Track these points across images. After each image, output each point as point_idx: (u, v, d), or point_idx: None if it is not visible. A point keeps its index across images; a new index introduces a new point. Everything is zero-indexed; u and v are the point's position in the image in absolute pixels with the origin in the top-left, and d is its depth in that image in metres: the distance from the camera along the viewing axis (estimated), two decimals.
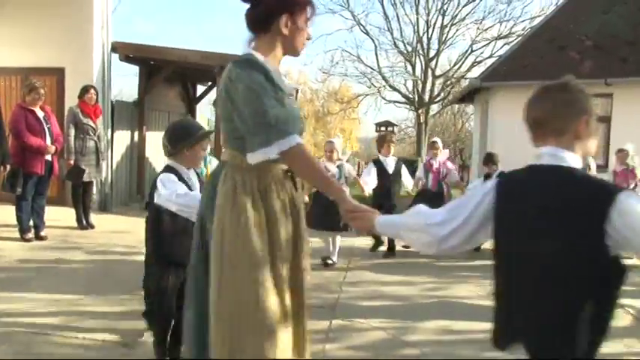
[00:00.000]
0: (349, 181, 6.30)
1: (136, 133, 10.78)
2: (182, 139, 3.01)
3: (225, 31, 62.47)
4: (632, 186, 7.08)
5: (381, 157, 6.80)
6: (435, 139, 8.12)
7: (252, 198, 2.12)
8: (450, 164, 7.50)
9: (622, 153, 7.01)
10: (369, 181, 6.42)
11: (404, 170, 6.88)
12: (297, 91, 11.21)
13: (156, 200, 2.89)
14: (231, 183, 2.14)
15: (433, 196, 6.82)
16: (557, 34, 11.92)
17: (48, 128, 6.57)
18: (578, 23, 11.89)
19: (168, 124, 3.08)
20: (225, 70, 2.14)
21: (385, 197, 6.53)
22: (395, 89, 25.50)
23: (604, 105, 11.03)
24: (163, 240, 3.02)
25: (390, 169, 6.71)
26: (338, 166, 6.10)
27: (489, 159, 7.35)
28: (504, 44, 22.46)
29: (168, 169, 3.01)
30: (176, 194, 2.78)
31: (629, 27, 11.22)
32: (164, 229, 2.99)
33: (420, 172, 7.51)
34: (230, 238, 2.07)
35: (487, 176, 7.04)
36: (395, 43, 24.76)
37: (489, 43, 24.07)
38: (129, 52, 10.31)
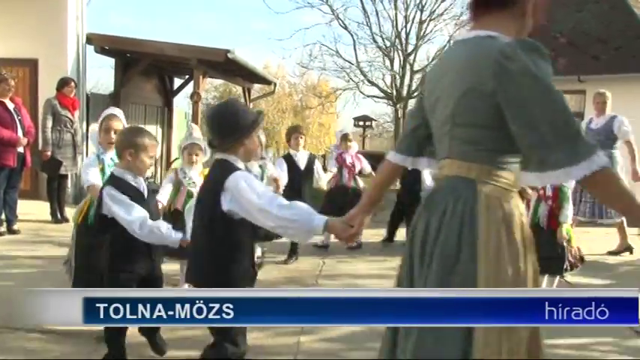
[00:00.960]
0: (269, 181, 5.56)
1: None
2: (241, 128, 2.50)
3: (202, 25, 62.04)
4: None
5: (292, 152, 6.24)
6: (347, 131, 7.78)
7: (522, 235, 1.82)
8: (361, 157, 7.10)
9: None
10: (282, 177, 5.74)
11: (317, 165, 6.36)
12: (274, 85, 11.18)
13: (227, 207, 2.45)
14: (501, 214, 1.79)
15: (352, 193, 6.61)
16: (532, 31, 12.06)
17: (19, 120, 6.49)
18: (552, 21, 12.04)
19: (212, 111, 2.65)
20: (494, 51, 1.71)
21: (295, 194, 5.78)
22: (373, 84, 25.56)
23: (577, 101, 11.23)
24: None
25: (302, 164, 6.14)
26: (260, 165, 5.43)
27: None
28: None
29: (229, 166, 2.52)
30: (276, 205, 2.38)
31: (602, 25, 11.41)
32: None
33: (332, 167, 7.03)
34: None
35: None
36: (373, 38, 24.80)
37: None
38: (104, 44, 10.19)
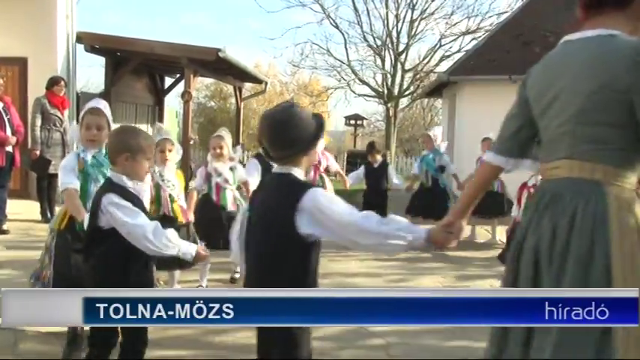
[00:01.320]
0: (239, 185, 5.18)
1: None
2: (308, 136, 2.21)
3: (194, 23, 61.78)
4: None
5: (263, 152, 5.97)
6: None
7: None
8: (328, 154, 6.80)
9: (486, 142, 7.18)
10: (252, 181, 5.23)
11: None
12: (265, 84, 11.10)
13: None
14: (632, 218, 1.81)
15: None
16: (522, 30, 12.13)
17: (8, 119, 6.45)
18: (542, 19, 12.11)
19: (271, 118, 2.24)
20: (627, 48, 1.77)
21: None
22: (364, 83, 25.59)
23: None
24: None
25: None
26: (231, 168, 5.01)
27: (372, 148, 7.25)
28: (472, 39, 22.71)
29: (296, 181, 2.21)
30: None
31: None
32: None
33: None
34: None
35: (368, 164, 7.17)
36: (364, 37, 24.84)
37: (458, 37, 24.34)
38: (94, 43, 10.16)
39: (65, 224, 3.25)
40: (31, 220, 7.14)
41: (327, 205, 2.09)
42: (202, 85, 31.24)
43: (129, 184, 2.61)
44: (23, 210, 7.48)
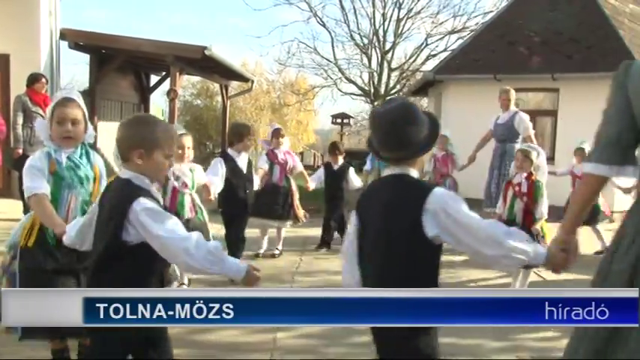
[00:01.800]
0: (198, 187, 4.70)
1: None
2: (429, 136, 2.15)
3: (180, 21, 61.51)
4: (450, 172, 7.53)
5: (231, 152, 5.42)
6: (278, 126, 6.76)
7: None
8: (292, 153, 6.61)
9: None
10: (215, 181, 4.91)
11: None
12: (252, 83, 11.00)
13: None
14: None
15: (283, 193, 6.13)
16: (507, 30, 12.21)
17: None
18: (527, 20, 12.20)
19: (390, 115, 2.06)
20: None
21: (239, 198, 5.36)
22: (351, 81, 25.60)
23: (551, 99, 11.38)
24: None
25: (243, 165, 5.43)
26: (190, 170, 4.57)
27: (334, 149, 7.05)
28: (458, 38, 22.81)
29: (416, 182, 2.15)
30: None
31: (574, 25, 11.59)
32: None
33: (262, 164, 6.18)
34: None
35: (327, 165, 7.05)
36: (351, 36, 24.84)
37: (444, 37, 24.43)
38: (79, 40, 10.07)
39: (34, 239, 2.76)
40: (15, 220, 7.04)
41: (455, 208, 2.01)
42: (188, 83, 31.11)
43: (152, 187, 2.19)
44: (7, 209, 7.41)
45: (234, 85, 17.91)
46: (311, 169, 13.66)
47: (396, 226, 2.05)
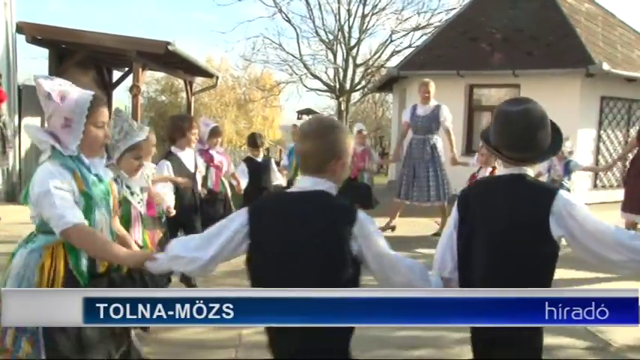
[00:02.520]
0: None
1: None
2: (559, 138, 2.17)
3: (143, 15, 60.47)
4: (367, 166, 7.68)
5: (174, 149, 4.80)
6: (214, 124, 5.90)
7: None
8: (226, 155, 6.10)
9: (360, 134, 7.49)
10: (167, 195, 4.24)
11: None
12: (217, 79, 10.86)
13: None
14: None
15: (219, 200, 5.56)
16: (469, 27, 12.40)
17: None
18: (488, 17, 12.41)
19: (530, 115, 2.08)
20: None
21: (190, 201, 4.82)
22: (316, 77, 25.64)
23: (513, 95, 11.61)
24: None
25: (190, 163, 4.89)
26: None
27: (252, 141, 6.44)
28: (422, 35, 23.07)
29: (537, 184, 2.15)
30: None
31: (534, 22, 11.84)
32: None
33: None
34: None
35: (248, 160, 6.36)
36: (316, 31, 24.88)
37: (408, 33, 24.67)
38: (36, 34, 9.84)
39: (61, 282, 2.27)
40: None
41: (581, 213, 1.98)
42: (152, 79, 30.72)
43: None
44: None
45: (199, 81, 17.73)
46: (277, 164, 13.64)
47: (520, 227, 2.02)
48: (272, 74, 32.16)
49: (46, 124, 2.31)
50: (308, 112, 24.88)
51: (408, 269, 2.02)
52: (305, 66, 25.20)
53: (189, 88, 14.69)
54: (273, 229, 1.98)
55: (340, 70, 25.10)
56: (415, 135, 7.35)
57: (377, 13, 24.34)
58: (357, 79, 24.62)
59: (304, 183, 2.03)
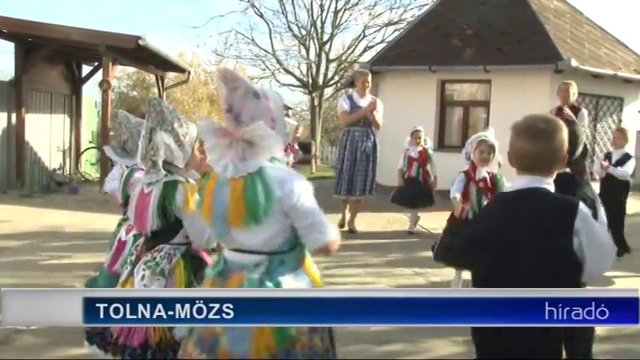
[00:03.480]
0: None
1: (14, 115, 10.12)
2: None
3: (113, 9, 59.38)
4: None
5: None
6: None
7: None
8: None
9: (295, 131, 7.61)
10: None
11: None
12: (189, 74, 10.73)
13: None
14: None
15: None
16: (441, 23, 12.50)
17: None
18: (460, 13, 12.53)
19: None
20: None
21: None
22: (289, 72, 25.58)
23: (484, 90, 11.75)
24: None
25: None
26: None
27: None
28: (394, 30, 23.19)
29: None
30: None
31: (504, 19, 11.99)
32: None
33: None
34: None
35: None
36: (289, 27, 24.82)
37: (381, 28, 24.78)
38: (1, 27, 9.63)
39: None
40: None
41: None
42: (124, 74, 30.28)
43: None
44: None
45: (171, 77, 17.55)
46: None
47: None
48: (245, 69, 31.96)
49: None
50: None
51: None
52: (278, 61, 25.14)
53: (160, 83, 14.54)
54: (500, 229, 2.05)
55: (313, 65, 25.09)
56: (356, 127, 7.27)
57: (350, 8, 24.40)
58: (330, 75, 24.65)
59: (521, 182, 2.10)
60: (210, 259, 2.80)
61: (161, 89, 14.59)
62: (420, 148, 7.72)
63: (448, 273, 5.06)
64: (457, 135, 11.63)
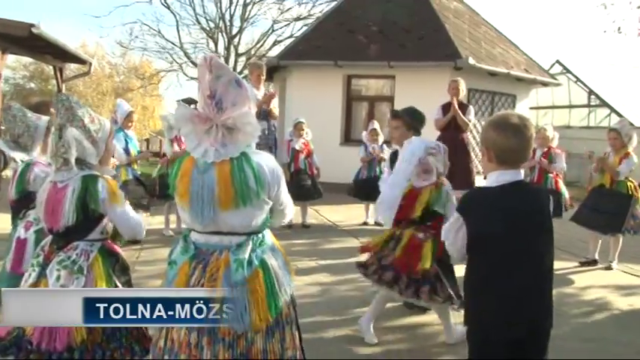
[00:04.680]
0: None
1: None
2: None
3: None
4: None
5: None
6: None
7: None
8: None
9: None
10: None
11: None
12: (90, 65, 10.23)
13: None
14: None
15: None
16: (347, 19, 12.72)
17: None
18: (365, 10, 12.80)
19: None
20: None
21: None
22: (197, 66, 25.11)
23: (388, 85, 12.08)
24: None
25: None
26: None
27: None
28: (303, 25, 23.29)
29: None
30: None
31: (407, 16, 12.38)
32: None
33: None
34: None
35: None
36: (197, 19, 24.35)
37: (290, 23, 24.82)
38: None
39: None
40: None
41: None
42: (20, 64, 28.66)
43: None
44: None
45: (73, 68, 16.74)
46: (157, 156, 13.22)
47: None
48: (151, 62, 31.09)
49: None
50: (190, 101, 24.26)
51: None
52: (185, 54, 24.65)
53: (59, 74, 13.81)
54: (498, 221, 2.18)
55: (222, 59, 24.74)
56: (259, 120, 7.24)
57: (259, 2, 24.27)
58: (239, 69, 24.39)
59: (506, 176, 2.22)
60: (123, 253, 2.85)
61: (59, 81, 13.87)
62: (303, 141, 7.73)
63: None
64: (362, 129, 11.93)
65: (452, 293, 3.59)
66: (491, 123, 2.28)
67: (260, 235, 2.31)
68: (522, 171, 2.31)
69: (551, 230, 2.26)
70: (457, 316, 3.70)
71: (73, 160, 2.65)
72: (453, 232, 2.25)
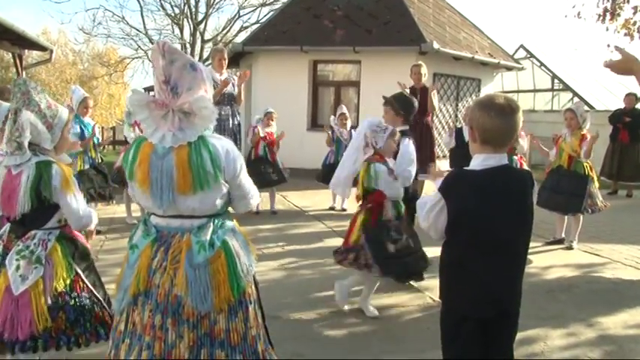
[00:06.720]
0: None
1: None
2: None
3: None
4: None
5: None
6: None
7: None
8: None
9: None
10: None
11: None
12: (51, 52, 9.99)
13: None
14: None
15: None
16: (313, 4, 12.64)
17: None
18: None
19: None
20: None
21: None
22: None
23: (354, 70, 12.10)
24: None
25: None
26: None
27: None
28: (270, 11, 23.10)
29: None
30: None
31: (372, 1, 12.37)
32: None
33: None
34: None
35: None
36: (162, 5, 23.94)
37: (256, 9, 24.60)
38: None
39: None
40: None
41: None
42: None
43: None
44: None
45: (35, 55, 16.31)
46: (123, 144, 13.04)
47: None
48: (116, 49, 30.53)
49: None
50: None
51: None
52: (150, 41, 24.22)
53: (19, 62, 13.46)
54: (479, 204, 2.17)
55: (188, 45, 24.43)
56: (222, 105, 6.98)
57: None
58: (205, 55, 24.13)
59: (490, 161, 2.20)
60: (84, 239, 2.84)
61: (20, 68, 13.52)
62: (269, 130, 7.66)
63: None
64: (329, 114, 11.93)
65: (371, 262, 3.82)
66: (477, 102, 2.28)
67: (221, 217, 2.34)
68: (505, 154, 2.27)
69: (531, 215, 2.29)
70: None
71: (26, 144, 2.61)
72: (434, 214, 2.24)
